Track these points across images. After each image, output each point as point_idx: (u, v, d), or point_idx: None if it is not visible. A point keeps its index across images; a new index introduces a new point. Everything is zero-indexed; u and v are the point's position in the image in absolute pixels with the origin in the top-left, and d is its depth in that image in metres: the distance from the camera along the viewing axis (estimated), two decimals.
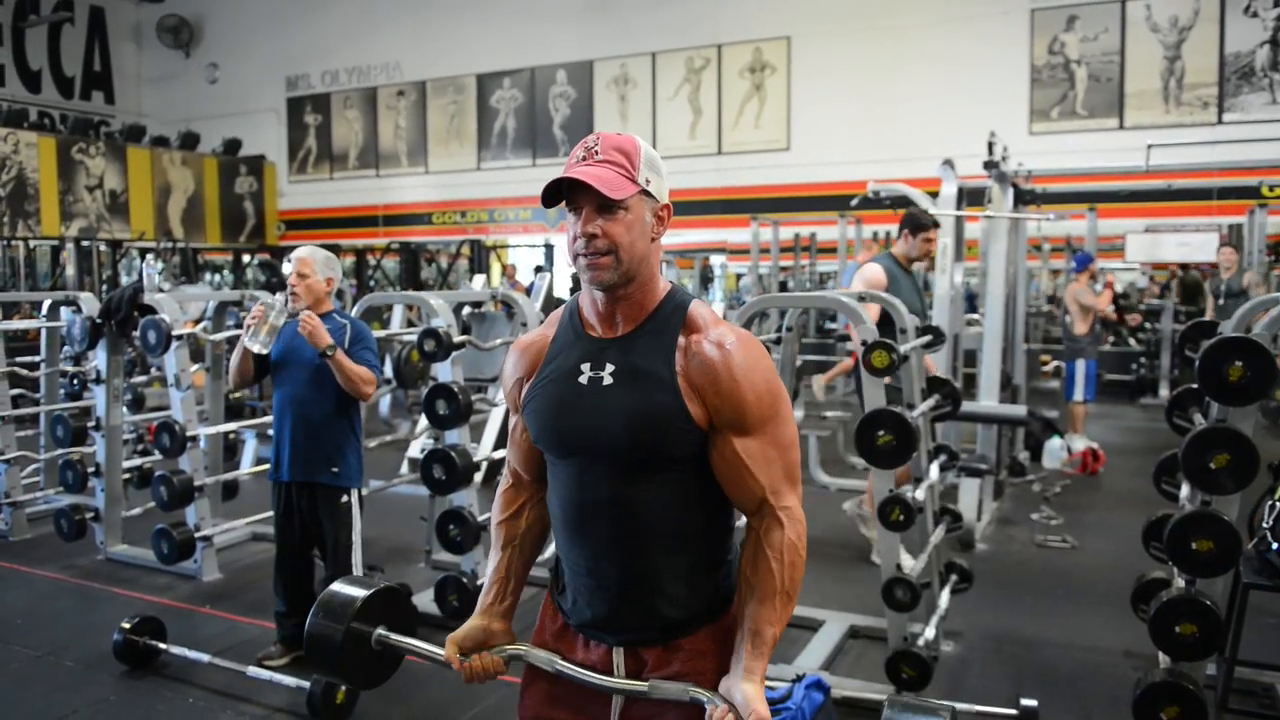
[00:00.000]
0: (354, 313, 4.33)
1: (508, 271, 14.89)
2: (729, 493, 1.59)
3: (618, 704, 1.65)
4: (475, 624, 1.73)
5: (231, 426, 5.57)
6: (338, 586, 1.80)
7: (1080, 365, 7.80)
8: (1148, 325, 11.30)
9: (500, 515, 1.82)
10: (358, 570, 3.73)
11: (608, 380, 1.56)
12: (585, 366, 1.59)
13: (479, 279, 6.70)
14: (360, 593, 1.75)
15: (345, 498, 3.71)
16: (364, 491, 3.86)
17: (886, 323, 4.04)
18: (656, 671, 1.62)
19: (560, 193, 1.54)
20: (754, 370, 1.54)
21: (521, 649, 1.69)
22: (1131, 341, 11.68)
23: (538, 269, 12.32)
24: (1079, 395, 7.86)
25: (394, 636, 1.77)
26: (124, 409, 5.46)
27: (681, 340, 1.56)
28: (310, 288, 3.64)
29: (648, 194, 1.56)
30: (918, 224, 5.07)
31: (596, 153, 1.54)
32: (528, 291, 7.90)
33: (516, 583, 1.79)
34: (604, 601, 1.63)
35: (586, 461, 1.59)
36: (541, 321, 1.92)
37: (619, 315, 1.59)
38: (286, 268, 3.74)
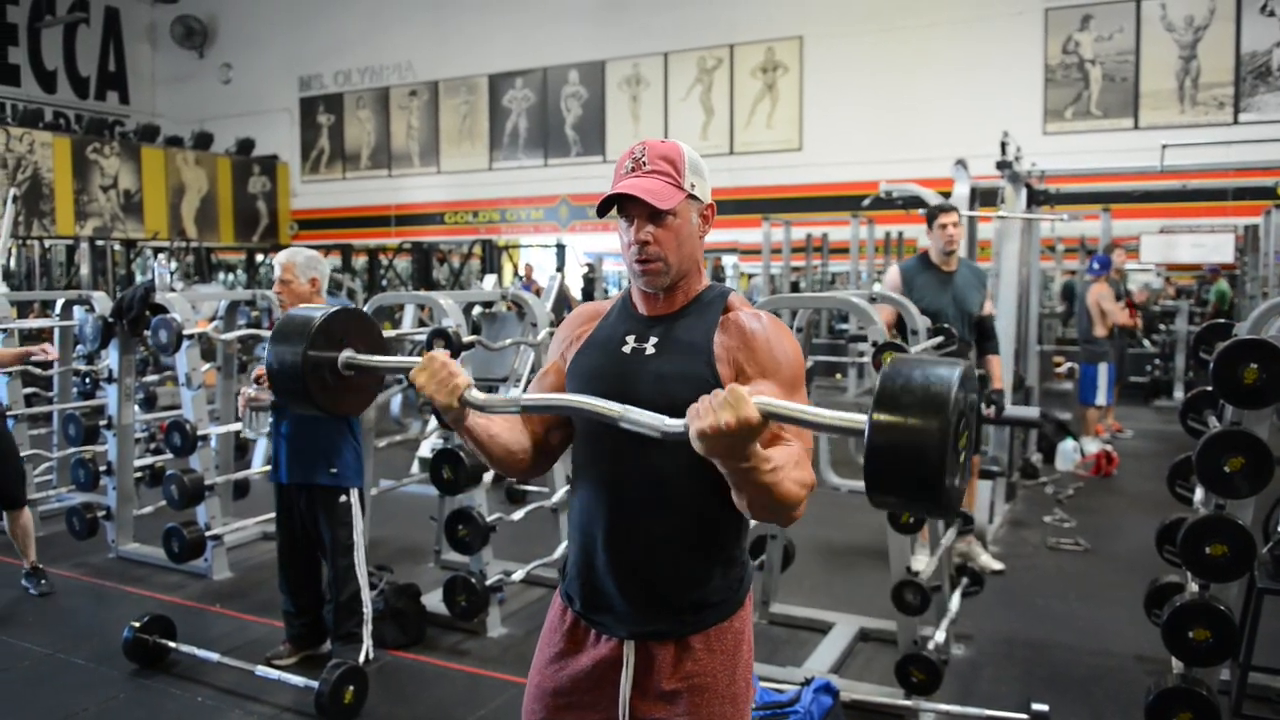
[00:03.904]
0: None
1: (526, 272, 14.89)
2: None
3: (625, 703, 1.65)
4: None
5: (242, 425, 5.58)
6: (294, 311, 1.68)
7: (1102, 369, 7.71)
8: (1162, 327, 11.23)
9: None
10: (361, 570, 3.72)
11: (650, 350, 1.67)
12: (630, 338, 1.69)
13: (490, 279, 6.69)
14: (317, 314, 1.64)
15: (344, 497, 3.67)
16: (373, 491, 3.86)
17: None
18: (668, 673, 1.64)
19: (612, 202, 1.63)
20: (785, 339, 1.66)
21: (481, 399, 1.53)
22: (1146, 343, 11.62)
23: (558, 269, 12.34)
24: (1101, 399, 7.79)
25: (361, 357, 1.68)
26: (136, 408, 5.48)
27: (722, 317, 1.67)
28: (294, 292, 3.63)
29: (693, 197, 1.66)
30: (929, 214, 4.82)
31: (644, 163, 1.64)
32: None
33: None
34: (620, 574, 1.65)
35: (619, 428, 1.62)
36: (552, 321, 1.93)
37: (665, 301, 1.70)
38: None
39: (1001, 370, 5.14)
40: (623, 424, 1.42)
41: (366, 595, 3.75)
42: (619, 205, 1.63)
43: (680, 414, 1.55)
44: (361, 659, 3.64)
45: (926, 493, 1.16)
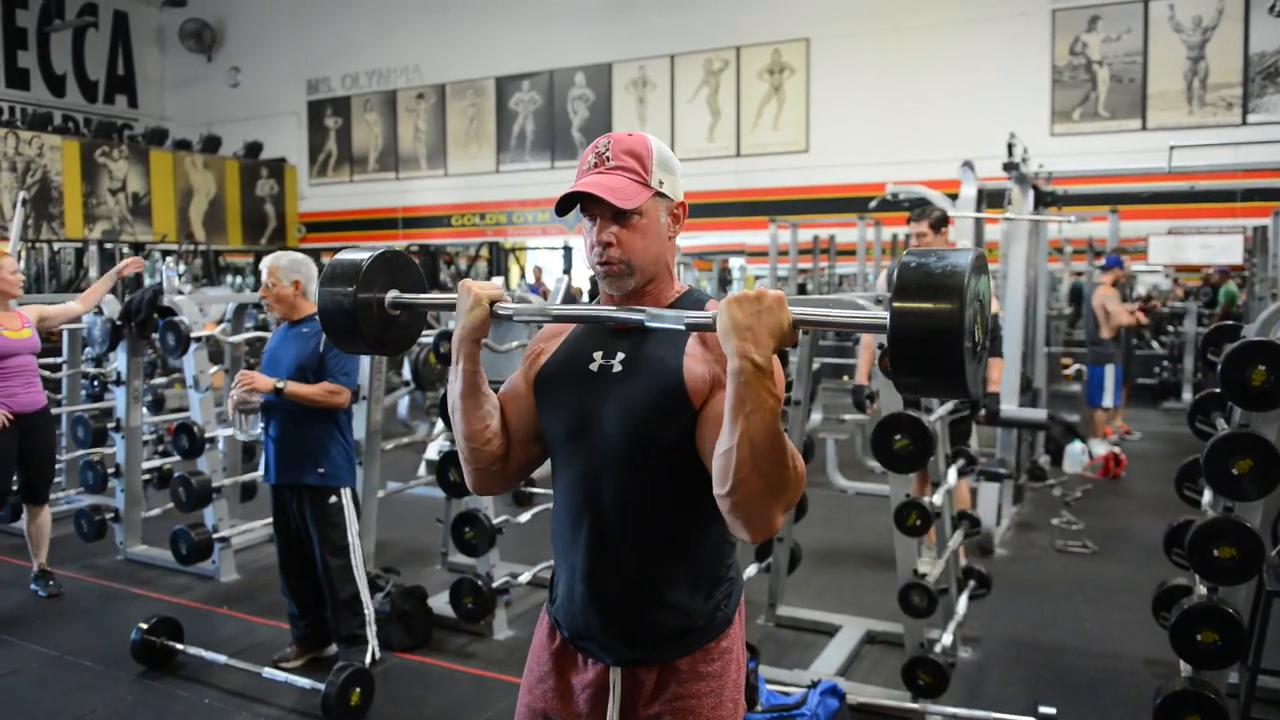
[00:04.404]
0: None
1: (534, 275, 14.91)
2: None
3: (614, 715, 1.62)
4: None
5: (233, 429, 5.59)
6: (342, 255, 1.75)
7: (1109, 371, 7.68)
8: (1170, 328, 11.19)
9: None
10: (359, 570, 3.71)
11: (617, 368, 1.57)
12: (598, 355, 1.60)
13: (497, 281, 6.70)
14: (364, 256, 1.71)
15: (334, 498, 3.65)
16: (380, 493, 3.86)
17: None
18: (653, 696, 1.60)
19: (574, 200, 1.54)
20: None
21: (511, 308, 1.57)
22: (1155, 345, 11.57)
23: (565, 271, 12.34)
24: (1108, 401, 7.75)
25: (407, 296, 1.74)
26: (144, 410, 5.51)
27: None
28: (279, 296, 3.65)
29: (662, 195, 1.55)
30: (910, 218, 4.67)
31: (608, 158, 1.54)
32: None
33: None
34: (601, 608, 1.59)
35: (589, 453, 1.58)
36: None
37: None
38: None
39: (1001, 373, 5.12)
40: (648, 324, 1.46)
41: (366, 596, 3.75)
42: (582, 204, 1.53)
43: (649, 440, 1.53)
44: (367, 661, 3.65)
45: (948, 371, 1.22)
